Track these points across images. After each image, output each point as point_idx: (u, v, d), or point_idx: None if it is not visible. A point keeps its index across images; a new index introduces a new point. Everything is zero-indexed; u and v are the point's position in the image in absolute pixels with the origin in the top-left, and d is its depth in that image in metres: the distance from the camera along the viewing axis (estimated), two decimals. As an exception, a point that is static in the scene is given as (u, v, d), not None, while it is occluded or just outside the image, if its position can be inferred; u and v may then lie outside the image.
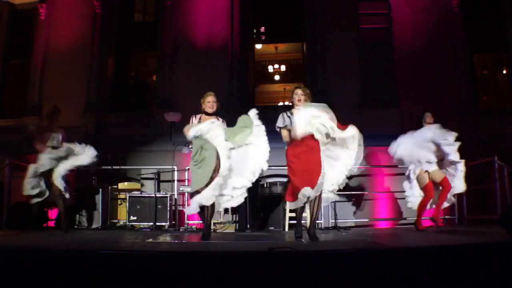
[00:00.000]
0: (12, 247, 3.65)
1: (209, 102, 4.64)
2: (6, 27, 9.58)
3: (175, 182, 7.20)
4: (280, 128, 4.41)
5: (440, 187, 5.56)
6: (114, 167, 7.03)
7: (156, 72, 9.15)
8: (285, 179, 7.35)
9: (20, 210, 6.23)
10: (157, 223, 6.51)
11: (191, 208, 4.34)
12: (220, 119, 4.64)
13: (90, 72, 8.85)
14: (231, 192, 4.44)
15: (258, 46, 9.62)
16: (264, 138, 4.51)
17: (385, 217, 7.29)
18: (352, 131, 4.37)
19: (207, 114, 4.63)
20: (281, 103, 12.26)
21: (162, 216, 6.57)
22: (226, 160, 4.29)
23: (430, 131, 5.53)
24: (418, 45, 8.38)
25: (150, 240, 4.51)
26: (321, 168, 4.13)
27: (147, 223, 6.57)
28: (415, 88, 8.17)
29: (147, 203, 6.61)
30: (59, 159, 5.70)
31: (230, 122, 4.73)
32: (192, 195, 4.35)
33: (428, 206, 5.61)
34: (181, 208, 7.16)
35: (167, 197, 6.65)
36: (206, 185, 4.22)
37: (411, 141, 5.56)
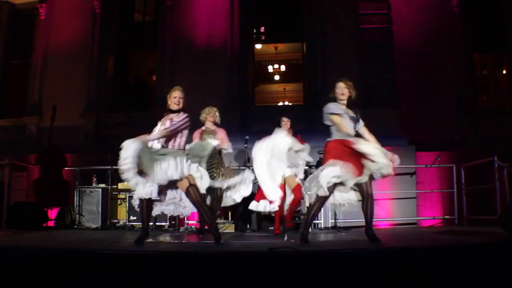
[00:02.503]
0: (12, 247, 3.65)
1: (175, 98, 4.27)
2: (6, 27, 9.57)
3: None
4: (338, 114, 4.03)
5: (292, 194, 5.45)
6: (114, 167, 7.02)
7: (156, 72, 9.15)
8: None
9: (20, 210, 6.23)
10: (157, 223, 6.51)
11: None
12: (183, 114, 4.24)
13: (90, 72, 8.84)
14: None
15: (258, 46, 9.62)
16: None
17: (385, 217, 7.28)
18: None
19: (171, 111, 4.26)
20: (281, 103, 12.27)
21: (162, 216, 6.55)
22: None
23: (286, 141, 5.32)
24: (418, 45, 8.38)
25: (150, 240, 4.51)
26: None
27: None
28: (415, 88, 8.17)
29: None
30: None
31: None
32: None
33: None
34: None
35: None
36: None
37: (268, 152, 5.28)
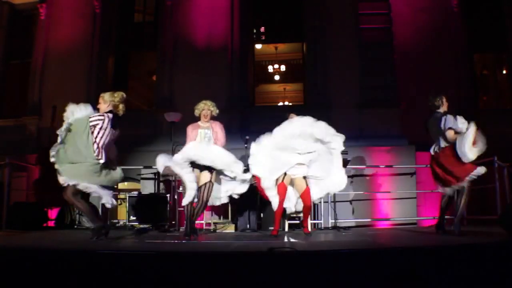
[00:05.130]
0: (12, 247, 3.65)
1: None
2: (6, 27, 9.57)
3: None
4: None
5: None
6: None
7: (156, 72, 9.15)
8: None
9: (20, 210, 6.23)
10: (157, 223, 6.51)
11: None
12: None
13: (90, 72, 8.84)
14: None
15: (258, 46, 9.62)
16: None
17: (385, 217, 7.29)
18: None
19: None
20: (281, 103, 12.27)
21: (162, 216, 6.56)
22: None
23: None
24: (418, 45, 8.39)
25: (150, 240, 4.51)
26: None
27: (147, 223, 6.57)
28: (415, 88, 8.17)
29: (147, 203, 6.61)
30: None
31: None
32: None
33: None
34: (181, 208, 7.15)
35: (167, 197, 6.65)
36: None
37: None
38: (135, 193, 6.90)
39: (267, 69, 11.32)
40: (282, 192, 5.01)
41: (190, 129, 5.19)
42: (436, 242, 4.10)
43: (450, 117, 4.92)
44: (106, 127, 4.42)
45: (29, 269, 2.85)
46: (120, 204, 7.32)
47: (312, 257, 2.96)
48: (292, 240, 4.42)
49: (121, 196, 7.41)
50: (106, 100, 4.63)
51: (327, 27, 8.41)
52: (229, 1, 8.72)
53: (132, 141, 8.13)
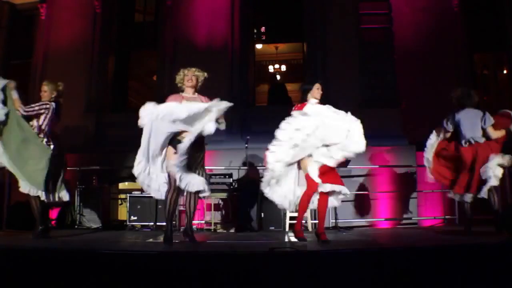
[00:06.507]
0: (12, 247, 3.65)
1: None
2: (6, 27, 9.57)
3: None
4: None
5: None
6: (114, 167, 7.03)
7: (156, 72, 9.15)
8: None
9: (20, 210, 6.22)
10: (157, 223, 6.51)
11: None
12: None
13: (90, 72, 8.84)
14: None
15: (258, 46, 9.62)
16: None
17: (385, 217, 7.29)
18: None
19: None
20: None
21: (162, 216, 6.56)
22: None
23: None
24: (418, 45, 8.38)
25: (150, 240, 4.52)
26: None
27: (147, 223, 6.57)
28: (415, 88, 8.17)
29: (147, 203, 6.61)
30: None
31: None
32: None
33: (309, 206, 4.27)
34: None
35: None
36: None
37: None
38: (135, 193, 6.90)
39: (267, 69, 11.32)
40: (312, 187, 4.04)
41: (169, 100, 4.22)
42: (436, 242, 4.10)
43: (489, 115, 5.09)
44: (50, 114, 4.90)
45: (29, 269, 2.85)
46: (121, 204, 7.34)
47: (312, 257, 2.97)
48: (292, 240, 4.42)
49: (121, 196, 7.42)
50: (50, 89, 5.08)
51: (327, 27, 8.41)
52: (229, 1, 8.72)
53: (132, 141, 8.12)
